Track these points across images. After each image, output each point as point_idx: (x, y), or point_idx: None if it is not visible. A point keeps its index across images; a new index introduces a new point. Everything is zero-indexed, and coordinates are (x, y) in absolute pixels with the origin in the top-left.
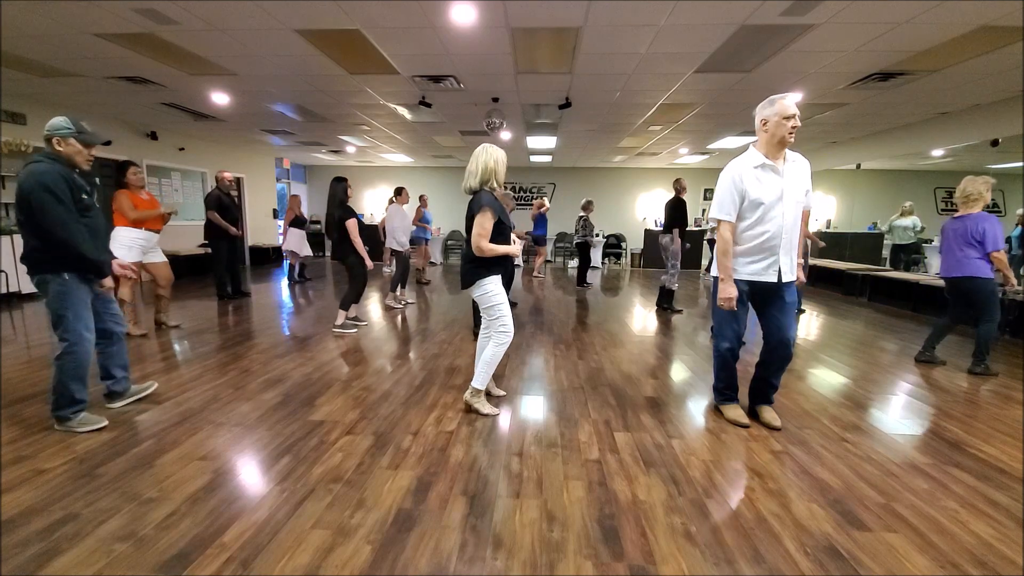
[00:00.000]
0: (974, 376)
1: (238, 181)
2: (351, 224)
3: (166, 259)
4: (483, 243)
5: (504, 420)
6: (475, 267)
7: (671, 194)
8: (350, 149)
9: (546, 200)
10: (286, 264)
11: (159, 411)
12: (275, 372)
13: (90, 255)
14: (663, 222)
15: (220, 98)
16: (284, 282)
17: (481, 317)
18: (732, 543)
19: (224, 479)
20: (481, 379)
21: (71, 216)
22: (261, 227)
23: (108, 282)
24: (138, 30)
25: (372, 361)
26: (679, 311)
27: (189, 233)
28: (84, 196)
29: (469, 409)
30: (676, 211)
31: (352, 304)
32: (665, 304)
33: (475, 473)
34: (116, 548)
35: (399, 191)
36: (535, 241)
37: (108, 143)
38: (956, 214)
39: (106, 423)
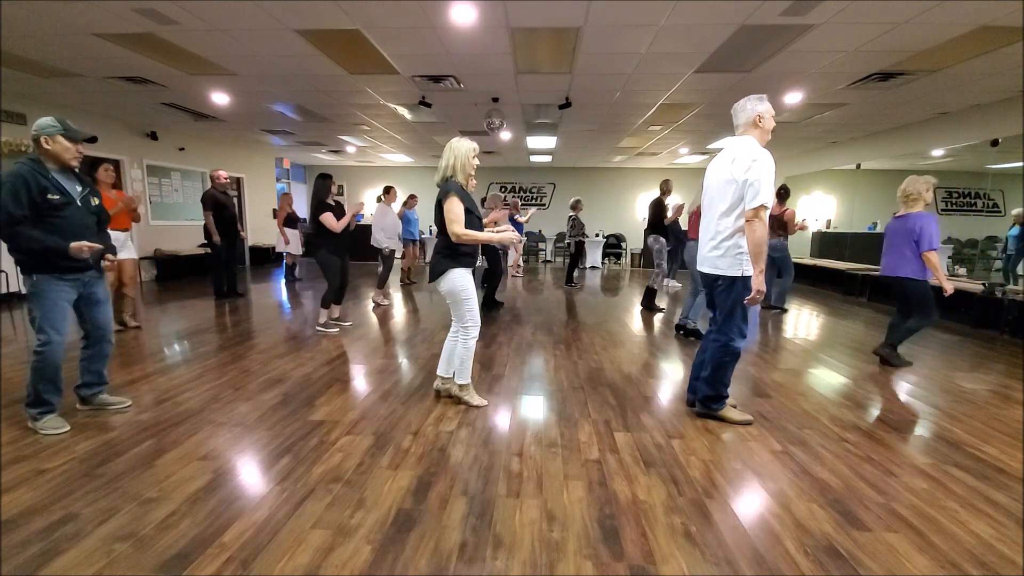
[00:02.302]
0: (881, 359)
1: (238, 181)
2: (326, 218)
3: (136, 258)
4: (457, 227)
5: (504, 420)
6: (442, 258)
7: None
8: (350, 149)
9: (517, 200)
10: (285, 264)
11: (159, 411)
12: (275, 372)
13: (37, 250)
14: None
15: (220, 98)
16: (282, 282)
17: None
18: (732, 543)
19: (224, 479)
20: (465, 375)
21: (20, 216)
22: (261, 227)
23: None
24: (138, 30)
25: (372, 361)
26: (660, 310)
27: (189, 233)
28: (52, 196)
29: (459, 401)
30: (655, 212)
31: (332, 303)
32: (648, 304)
33: (475, 473)
34: (116, 548)
35: (387, 190)
36: None
37: (93, 139)
38: (898, 213)
39: (68, 428)
